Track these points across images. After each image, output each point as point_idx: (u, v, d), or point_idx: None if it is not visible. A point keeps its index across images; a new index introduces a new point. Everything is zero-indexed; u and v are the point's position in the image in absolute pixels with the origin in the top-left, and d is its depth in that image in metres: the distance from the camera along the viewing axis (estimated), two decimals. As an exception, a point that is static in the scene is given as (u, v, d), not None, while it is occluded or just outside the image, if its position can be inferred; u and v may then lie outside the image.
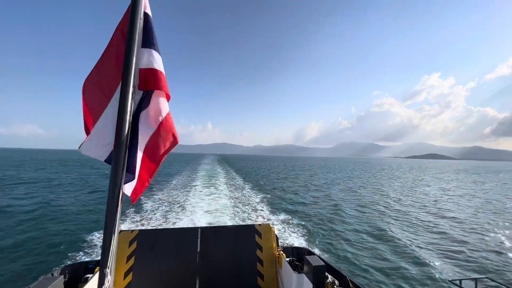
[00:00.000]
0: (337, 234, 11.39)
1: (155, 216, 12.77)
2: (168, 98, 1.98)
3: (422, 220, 14.32)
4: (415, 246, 10.20)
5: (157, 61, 1.86)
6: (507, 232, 12.62)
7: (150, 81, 1.84)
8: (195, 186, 23.72)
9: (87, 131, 1.83)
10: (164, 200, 16.93)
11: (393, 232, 11.77)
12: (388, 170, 70.43)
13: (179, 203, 15.80)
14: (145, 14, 1.85)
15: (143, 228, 10.54)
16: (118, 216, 1.66)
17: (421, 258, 8.95)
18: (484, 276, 4.16)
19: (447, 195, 24.92)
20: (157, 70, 1.85)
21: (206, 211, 13.94)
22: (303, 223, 12.89)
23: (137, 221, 11.72)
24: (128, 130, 1.70)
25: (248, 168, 57.80)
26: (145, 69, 1.83)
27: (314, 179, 36.93)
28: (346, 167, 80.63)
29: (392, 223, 13.47)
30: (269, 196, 20.23)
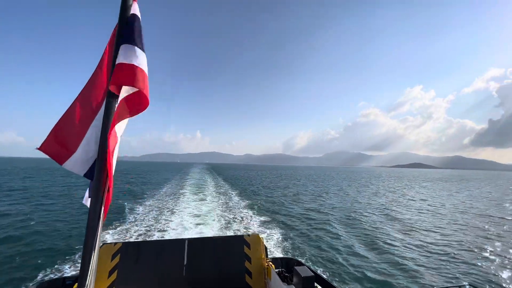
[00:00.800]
0: (312, 239, 11.49)
1: (141, 227, 12.33)
2: (144, 98, 1.82)
3: (377, 224, 15.06)
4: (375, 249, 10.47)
5: (138, 58, 1.77)
6: (444, 234, 13.54)
7: (126, 81, 1.72)
8: (183, 195, 23.23)
9: (73, 146, 1.73)
10: (151, 210, 16.45)
11: (359, 236, 12.18)
12: (368, 178, 72.55)
13: (166, 214, 15.38)
14: (132, 17, 1.84)
15: (127, 240, 10.15)
16: (99, 230, 1.59)
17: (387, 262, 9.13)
18: (466, 283, 4.25)
19: (412, 200, 27.15)
20: (133, 65, 1.74)
21: (194, 222, 13.62)
22: (289, 231, 12.85)
23: (121, 233, 11.27)
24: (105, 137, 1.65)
25: (237, 177, 57.36)
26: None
27: (298, 187, 37.06)
28: (331, 176, 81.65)
29: (362, 227, 13.90)
30: (257, 205, 20.05)
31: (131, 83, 1.70)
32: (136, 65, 1.75)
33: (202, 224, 13.19)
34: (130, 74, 1.70)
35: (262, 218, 15.58)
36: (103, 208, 1.61)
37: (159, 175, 54.40)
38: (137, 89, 1.78)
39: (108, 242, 3.74)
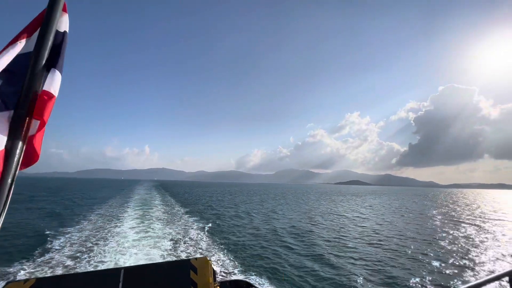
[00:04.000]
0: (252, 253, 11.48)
1: (66, 256, 10.41)
2: (42, 125, 1.50)
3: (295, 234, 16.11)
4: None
5: (55, 85, 1.48)
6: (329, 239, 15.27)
7: (42, 106, 1.47)
8: (124, 216, 20.80)
9: None
10: (82, 235, 14.16)
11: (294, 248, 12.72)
12: (306, 194, 78.52)
13: (101, 238, 13.41)
14: (59, 33, 1.54)
15: (43, 275, 8.37)
16: None
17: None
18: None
19: (328, 211, 29.89)
20: (54, 97, 1.47)
21: (134, 246, 12.16)
22: (239, 249, 12.47)
23: (39, 266, 9.30)
24: (17, 162, 1.43)
25: (187, 195, 54.45)
26: (42, 93, 1.50)
27: (249, 204, 37.05)
28: (280, 193, 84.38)
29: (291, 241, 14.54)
30: (208, 224, 19.18)
31: (43, 117, 1.48)
32: (55, 97, 1.51)
33: (145, 248, 11.87)
34: (49, 108, 1.47)
35: (212, 238, 14.86)
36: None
37: (96, 194, 48.02)
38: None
39: (17, 279, 2.98)
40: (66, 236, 13.96)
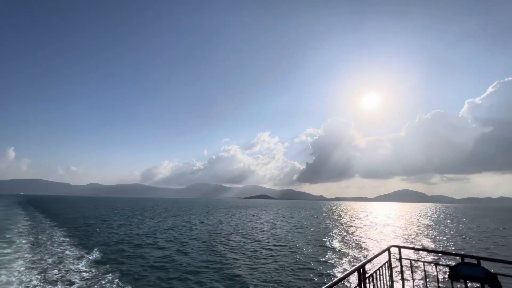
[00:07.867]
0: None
1: None
2: None
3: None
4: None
5: None
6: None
7: None
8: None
9: None
10: None
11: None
12: (211, 207, 79.12)
13: None
14: None
15: None
16: None
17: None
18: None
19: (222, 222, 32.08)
20: None
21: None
22: (130, 275, 11.30)
23: None
24: None
25: (67, 213, 44.25)
26: None
27: (149, 223, 33.83)
28: (187, 208, 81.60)
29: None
30: (93, 251, 16.44)
31: None
32: None
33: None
34: None
35: (98, 267, 12.92)
36: None
37: None
38: None
39: None
40: None
